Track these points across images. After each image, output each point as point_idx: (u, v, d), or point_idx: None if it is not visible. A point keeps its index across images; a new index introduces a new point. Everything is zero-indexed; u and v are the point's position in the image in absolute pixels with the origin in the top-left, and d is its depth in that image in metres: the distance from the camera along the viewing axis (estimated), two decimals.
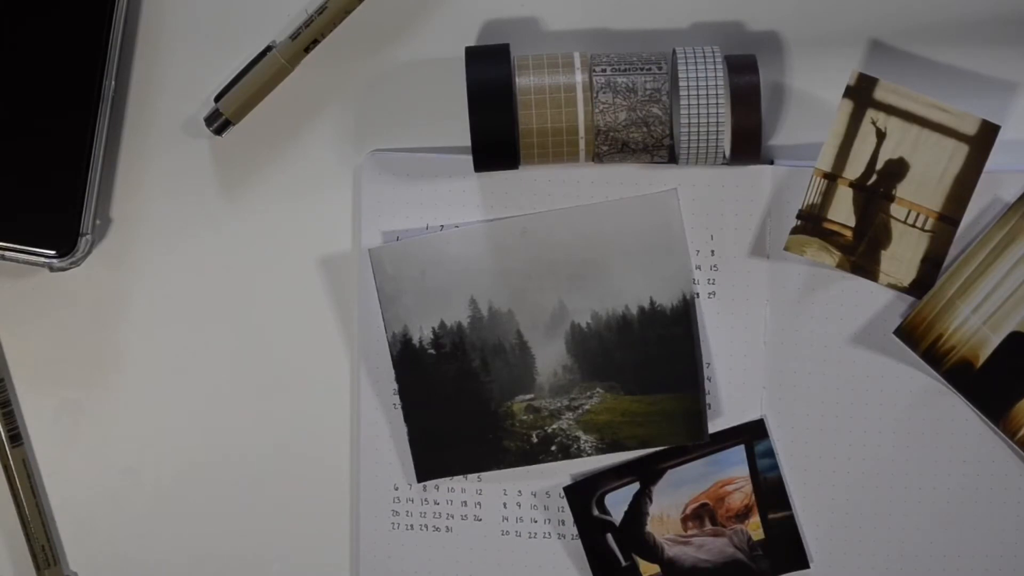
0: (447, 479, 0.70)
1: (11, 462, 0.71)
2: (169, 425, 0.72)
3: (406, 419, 0.69)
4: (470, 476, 0.70)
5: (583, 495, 0.69)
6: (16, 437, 0.72)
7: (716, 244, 0.68)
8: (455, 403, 0.69)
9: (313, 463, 0.71)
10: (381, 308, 0.69)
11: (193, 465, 0.72)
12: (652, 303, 0.68)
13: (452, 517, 0.70)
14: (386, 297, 0.69)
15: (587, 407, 0.69)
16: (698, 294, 0.68)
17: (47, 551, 0.72)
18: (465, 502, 0.70)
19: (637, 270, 0.68)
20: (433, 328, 0.69)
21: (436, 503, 0.70)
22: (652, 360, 0.68)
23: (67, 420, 0.72)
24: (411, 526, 0.70)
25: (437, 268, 0.69)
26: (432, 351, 0.69)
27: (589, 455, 0.69)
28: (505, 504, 0.70)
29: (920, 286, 0.67)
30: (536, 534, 0.70)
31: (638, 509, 0.69)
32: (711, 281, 0.68)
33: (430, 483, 0.70)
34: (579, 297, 0.68)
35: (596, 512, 0.69)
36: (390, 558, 0.71)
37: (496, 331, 0.69)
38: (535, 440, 0.69)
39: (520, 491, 0.70)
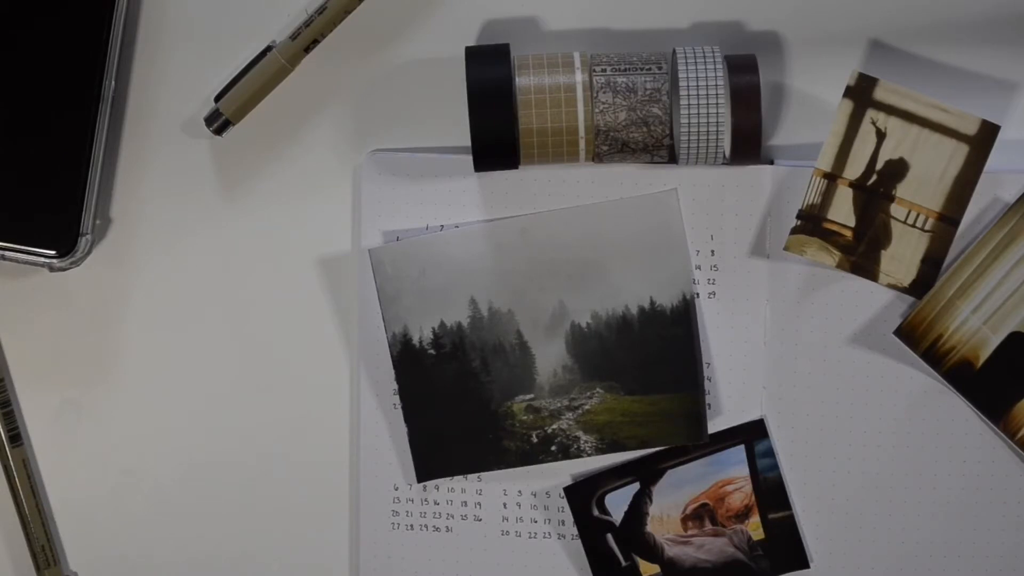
0: (447, 479, 0.70)
1: (11, 462, 0.71)
2: (169, 425, 0.72)
3: (406, 419, 0.69)
4: (470, 476, 0.70)
5: (583, 495, 0.69)
6: (16, 437, 0.72)
7: (716, 244, 0.68)
8: (455, 403, 0.69)
9: (313, 463, 0.71)
10: (381, 308, 0.69)
11: (193, 465, 0.72)
12: (652, 303, 0.68)
13: (452, 517, 0.70)
14: (386, 297, 0.69)
15: (587, 407, 0.69)
16: (698, 294, 0.68)
17: (47, 551, 0.72)
18: (465, 502, 0.70)
19: (637, 270, 0.68)
20: (433, 328, 0.69)
21: (436, 503, 0.70)
22: (652, 360, 0.68)
23: (67, 420, 0.72)
24: (411, 526, 0.70)
25: (437, 268, 0.69)
26: (432, 351, 0.69)
27: (589, 455, 0.69)
28: (505, 504, 0.70)
29: (920, 286, 0.66)
30: (536, 534, 0.70)
31: (638, 509, 0.69)
32: (711, 281, 0.68)
33: (430, 483, 0.70)
34: (579, 297, 0.68)
35: (596, 512, 0.69)
36: (390, 558, 0.71)
37: (496, 331, 0.69)
38: (535, 440, 0.69)
39: (520, 491, 0.70)
